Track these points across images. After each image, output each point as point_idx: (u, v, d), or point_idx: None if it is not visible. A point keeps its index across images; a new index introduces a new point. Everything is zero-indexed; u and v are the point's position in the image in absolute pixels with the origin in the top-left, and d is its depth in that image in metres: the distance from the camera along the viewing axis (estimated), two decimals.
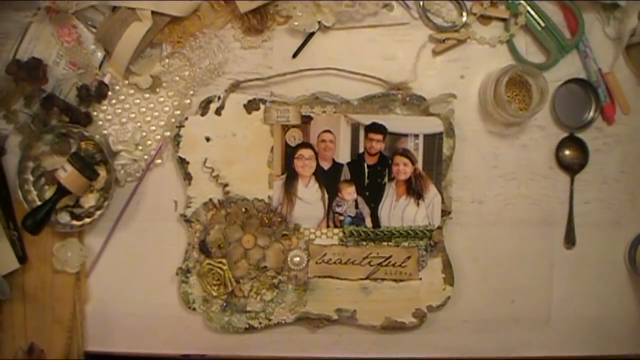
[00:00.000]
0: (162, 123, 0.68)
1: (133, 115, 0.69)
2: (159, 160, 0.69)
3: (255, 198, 0.67)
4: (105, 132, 0.68)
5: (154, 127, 0.69)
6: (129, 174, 0.68)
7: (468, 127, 0.69)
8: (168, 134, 0.68)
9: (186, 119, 0.67)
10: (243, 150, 0.67)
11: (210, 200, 0.67)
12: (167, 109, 0.68)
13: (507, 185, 0.70)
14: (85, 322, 0.69)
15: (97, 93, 0.68)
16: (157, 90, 0.68)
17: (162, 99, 0.69)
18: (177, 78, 0.68)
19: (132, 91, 0.69)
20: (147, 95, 0.69)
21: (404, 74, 0.69)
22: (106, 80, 0.68)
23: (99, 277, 0.69)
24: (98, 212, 0.67)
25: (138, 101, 0.69)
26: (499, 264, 0.71)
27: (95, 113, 0.68)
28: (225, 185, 0.67)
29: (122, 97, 0.68)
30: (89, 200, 0.68)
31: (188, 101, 0.68)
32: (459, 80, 0.70)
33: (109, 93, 0.68)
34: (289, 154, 0.67)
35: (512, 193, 0.70)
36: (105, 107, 0.69)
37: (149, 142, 0.68)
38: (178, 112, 0.68)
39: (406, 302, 0.68)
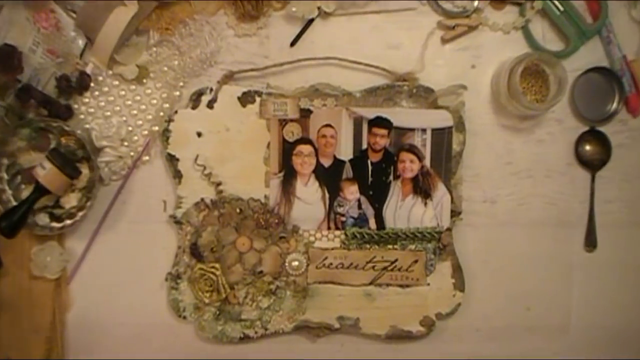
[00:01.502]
0: (150, 117, 0.72)
1: (118, 109, 0.72)
2: (147, 157, 0.72)
3: (250, 198, 0.71)
4: (87, 126, 0.72)
5: (140, 122, 0.72)
6: (113, 172, 0.72)
7: (479, 121, 0.73)
8: (156, 128, 0.72)
9: (176, 112, 0.71)
10: (237, 146, 0.71)
11: (202, 200, 0.71)
12: (154, 101, 0.72)
13: (522, 184, 0.74)
14: (66, 332, 0.72)
15: (78, 84, 0.71)
16: (144, 81, 0.72)
17: (149, 91, 0.72)
18: (165, 68, 0.72)
19: (116, 82, 0.72)
20: (133, 87, 0.72)
21: (411, 64, 0.72)
22: (88, 70, 0.71)
23: (81, 283, 0.73)
24: (80, 213, 0.70)
25: (123, 93, 0.72)
26: (513, 268, 0.75)
27: (76, 106, 0.72)
28: (219, 184, 0.71)
29: (106, 88, 0.72)
30: (70, 201, 0.71)
31: (178, 93, 0.72)
32: (470, 70, 0.73)
33: (92, 84, 0.71)
34: (287, 150, 0.71)
35: (527, 192, 0.74)
36: (87, 100, 0.72)
37: (136, 138, 0.72)
38: (167, 105, 0.72)
39: (413, 309, 0.72)
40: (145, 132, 0.72)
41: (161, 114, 0.72)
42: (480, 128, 0.73)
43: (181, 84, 0.72)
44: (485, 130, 0.74)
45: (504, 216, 0.74)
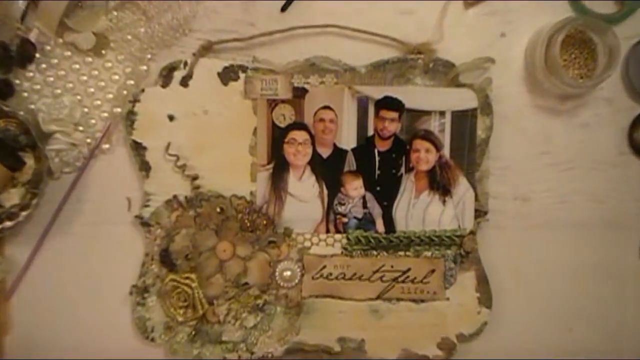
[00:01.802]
0: (111, 96, 0.82)
1: (71, 86, 0.82)
2: (107, 145, 0.83)
3: (233, 195, 0.81)
4: (32, 107, 0.81)
5: (99, 102, 0.82)
6: (66, 163, 0.82)
7: (510, 102, 0.84)
8: (118, 110, 0.82)
9: (142, 91, 0.81)
10: (217, 132, 0.81)
11: (175, 197, 0.81)
12: (116, 77, 0.82)
13: (562, 177, 0.85)
14: (4, 358, 0.81)
15: (19, 55, 0.79)
16: (103, 52, 0.82)
17: (109, 65, 0.82)
18: (129, 37, 0.82)
19: (68, 53, 0.82)
20: (90, 60, 0.82)
21: (427, 33, 0.82)
22: (32, 37, 0.79)
23: (25, 298, 0.82)
24: (23, 213, 0.79)
25: (77, 67, 0.82)
26: (551, 279, 0.86)
27: (17, 81, 0.80)
28: (195, 177, 0.81)
29: (55, 60, 0.81)
30: (11, 198, 0.80)
31: (144, 68, 0.82)
32: (499, 40, 0.83)
33: (37, 55, 0.80)
34: (278, 137, 0.82)
35: (568, 187, 0.85)
36: (31, 74, 0.81)
37: (93, 122, 0.82)
38: (131, 82, 0.82)
39: (429, 329, 0.83)
40: (105, 115, 0.82)
41: (124, 92, 0.82)
42: (511, 110, 0.84)
43: (149, 56, 0.82)
44: (517, 112, 0.84)
45: (539, 217, 0.85)
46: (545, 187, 0.85)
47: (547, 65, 0.80)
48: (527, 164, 0.85)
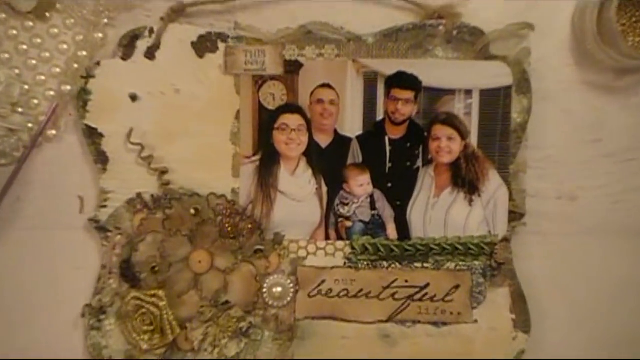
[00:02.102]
0: (58, 71, 0.91)
1: (7, 57, 0.91)
2: (53, 132, 0.92)
3: (211, 193, 0.91)
4: None
5: (43, 77, 0.91)
6: (2, 154, 0.90)
7: (553, 78, 0.93)
8: (68, 88, 0.90)
9: (97, 64, 0.90)
10: (191, 116, 0.90)
11: (139, 196, 0.91)
12: (64, 47, 0.91)
13: (617, 171, 0.94)
14: None
15: None
16: (47, 15, 0.91)
17: (55, 31, 0.91)
18: (67, 22, 0.90)
19: (3, 16, 0.90)
20: (30, 24, 0.91)
21: None
22: None
23: None
24: None
25: (14, 33, 0.91)
26: (603, 298, 0.94)
27: None
28: (163, 172, 0.90)
29: None
30: None
31: (100, 36, 0.90)
32: (539, 2, 0.92)
33: None
34: (266, 122, 0.91)
35: (624, 184, 0.94)
36: None
37: (36, 102, 0.91)
38: (84, 52, 0.90)
39: (454, 357, 0.92)
40: (52, 94, 0.91)
41: (75, 66, 0.90)
42: (555, 88, 0.93)
43: (105, 21, 0.91)
44: (561, 91, 0.93)
45: (589, 220, 0.94)
46: (598, 183, 0.94)
47: (601, 33, 0.88)
48: (574, 154, 0.94)
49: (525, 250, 0.94)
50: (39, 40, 0.92)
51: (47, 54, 0.92)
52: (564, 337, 0.96)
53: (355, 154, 0.92)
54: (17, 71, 0.92)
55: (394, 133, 0.92)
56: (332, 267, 0.93)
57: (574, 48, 0.94)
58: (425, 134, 0.92)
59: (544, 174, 0.95)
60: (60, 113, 0.93)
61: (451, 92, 0.92)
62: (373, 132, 0.92)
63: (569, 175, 0.95)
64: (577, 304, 0.96)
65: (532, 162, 0.93)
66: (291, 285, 0.93)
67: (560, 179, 0.95)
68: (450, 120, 0.92)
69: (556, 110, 0.94)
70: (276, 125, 0.91)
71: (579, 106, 0.94)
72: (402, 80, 0.91)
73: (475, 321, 0.93)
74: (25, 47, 0.92)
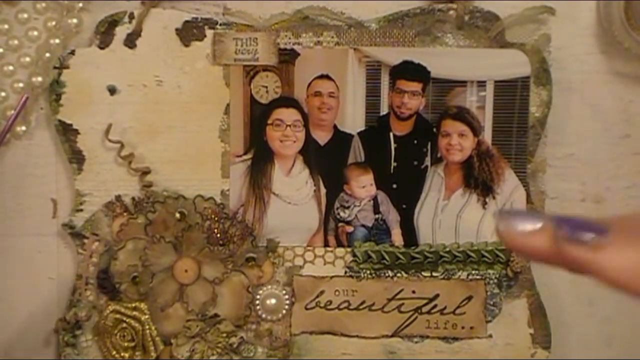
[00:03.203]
0: (28, 60, 0.86)
1: None
2: (23, 128, 0.86)
3: (198, 195, 0.85)
4: None
5: (10, 67, 0.86)
6: None
7: (576, 67, 0.87)
8: (39, 80, 0.85)
9: (72, 53, 0.85)
10: (176, 110, 0.85)
11: (119, 198, 0.86)
12: (35, 34, 0.86)
13: None
14: None
15: None
16: None
17: (24, 16, 0.86)
18: (38, 5, 0.85)
19: None
20: None
21: None
22: None
23: None
24: None
25: None
26: (635, 310, 0.88)
27: None
28: (145, 172, 0.85)
29: None
30: None
31: (74, 21, 0.85)
32: None
33: None
34: (258, 117, 0.86)
35: None
36: None
37: (3, 95, 0.86)
38: (56, 41, 0.86)
39: None
40: (21, 86, 0.86)
41: (47, 55, 0.85)
42: (578, 79, 0.88)
43: (80, 4, 0.86)
44: (585, 82, 0.88)
45: None
46: (625, 184, 0.89)
47: (628, 17, 0.83)
48: (600, 152, 0.89)
49: None
50: (5, 27, 0.87)
51: (15, 42, 0.87)
52: (589, 355, 0.90)
53: (357, 152, 0.87)
54: None
55: (400, 129, 0.87)
56: (332, 277, 0.87)
57: (600, 35, 0.89)
58: (434, 129, 0.87)
59: (566, 173, 0.89)
60: (31, 108, 0.87)
61: (463, 83, 0.86)
62: (376, 128, 0.87)
63: (594, 175, 0.89)
64: (604, 317, 0.90)
65: (552, 160, 0.88)
66: (286, 296, 0.87)
67: (584, 179, 0.89)
68: (462, 115, 0.86)
69: (579, 103, 0.89)
70: (269, 121, 0.86)
71: (604, 99, 0.89)
72: (409, 71, 0.86)
73: (490, 336, 0.88)
74: None
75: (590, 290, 0.89)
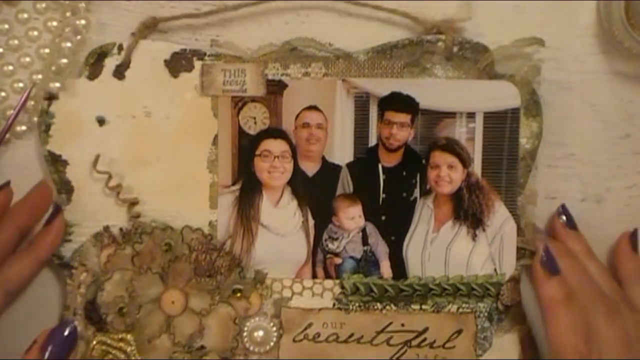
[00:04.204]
0: (28, 60, 0.86)
1: None
2: (23, 128, 0.86)
3: (186, 226, 0.85)
4: None
5: (11, 67, 0.86)
6: None
7: (576, 68, 0.87)
8: (57, 86, 0.84)
9: (61, 85, 0.85)
10: (165, 141, 0.85)
11: (106, 229, 0.86)
12: (35, 34, 0.86)
13: None
14: None
15: None
16: None
17: (24, 16, 0.86)
18: (43, 4, 0.86)
19: None
20: None
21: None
22: None
23: None
24: None
25: None
26: None
27: None
28: (133, 203, 0.85)
29: None
30: None
31: (82, 22, 0.85)
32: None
33: None
34: (246, 148, 0.86)
35: None
36: None
37: (3, 95, 0.86)
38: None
39: None
40: (20, 86, 0.86)
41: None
42: (578, 79, 0.87)
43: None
44: (585, 81, 0.88)
45: (617, 225, 0.88)
46: (626, 184, 0.89)
47: (629, 16, 0.83)
48: (600, 152, 0.88)
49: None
50: (6, 26, 0.88)
51: (16, 42, 0.88)
52: None
53: (346, 183, 0.87)
54: None
55: (389, 160, 0.87)
56: (320, 309, 0.87)
57: (599, 34, 0.89)
58: (423, 161, 0.86)
59: (566, 173, 0.89)
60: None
61: (452, 115, 0.86)
62: (365, 159, 0.87)
63: (594, 175, 0.89)
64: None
65: (553, 160, 0.88)
66: (274, 328, 0.87)
67: (584, 180, 0.90)
68: (451, 146, 0.86)
69: (580, 103, 0.89)
70: (257, 152, 0.86)
71: (604, 99, 0.89)
72: (397, 102, 0.85)
73: None
74: None
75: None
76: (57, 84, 0.85)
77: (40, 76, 0.85)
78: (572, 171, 0.88)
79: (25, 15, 0.87)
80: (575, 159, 0.88)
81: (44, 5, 0.86)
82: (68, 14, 0.86)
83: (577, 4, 0.88)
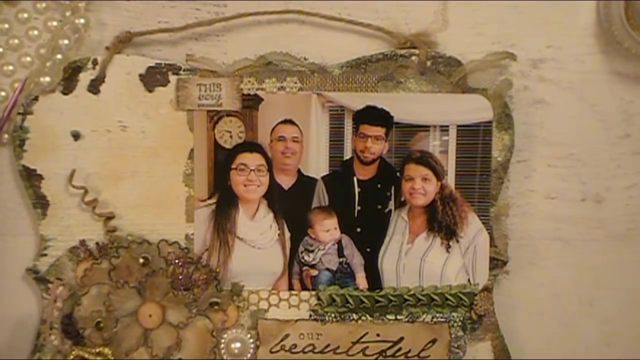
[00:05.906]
0: (28, 60, 0.87)
1: None
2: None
3: (162, 240, 0.86)
4: None
5: (11, 67, 0.87)
6: None
7: (575, 67, 0.89)
8: (47, 80, 0.85)
9: (35, 99, 0.85)
10: (140, 155, 0.86)
11: (83, 243, 0.86)
12: (35, 33, 0.87)
13: None
14: None
15: None
16: None
17: (25, 16, 0.87)
18: (38, 5, 0.86)
19: None
20: None
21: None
22: None
23: None
24: None
25: None
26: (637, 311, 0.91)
27: None
28: (110, 217, 0.86)
29: None
30: None
31: (82, 21, 0.86)
32: None
33: None
34: (222, 162, 0.86)
35: None
36: None
37: (3, 94, 0.86)
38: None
39: None
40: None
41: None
42: (577, 79, 0.89)
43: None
44: (585, 82, 0.89)
45: (616, 224, 0.90)
46: (625, 184, 0.91)
47: (628, 16, 0.85)
48: (600, 152, 0.90)
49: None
50: (6, 26, 0.88)
51: (16, 41, 0.88)
52: (589, 355, 0.92)
53: (321, 196, 0.88)
54: None
55: (363, 173, 0.88)
56: (297, 320, 0.88)
57: (599, 35, 0.90)
58: (398, 174, 0.87)
59: (566, 173, 0.91)
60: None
61: (425, 128, 0.87)
62: (340, 172, 0.88)
63: (594, 175, 0.91)
64: (604, 317, 0.92)
65: (553, 160, 0.90)
66: (251, 340, 0.88)
67: (584, 179, 0.91)
68: (425, 159, 0.87)
69: (579, 103, 0.90)
70: (233, 166, 0.86)
71: (604, 99, 0.91)
72: (372, 116, 0.86)
73: None
74: None
75: (590, 290, 0.90)
76: (47, 78, 0.85)
77: (48, 79, 0.85)
78: (572, 171, 0.90)
79: (25, 15, 0.87)
80: (575, 158, 0.90)
81: (44, 5, 0.87)
82: (68, 13, 0.86)
83: (577, 4, 0.89)
